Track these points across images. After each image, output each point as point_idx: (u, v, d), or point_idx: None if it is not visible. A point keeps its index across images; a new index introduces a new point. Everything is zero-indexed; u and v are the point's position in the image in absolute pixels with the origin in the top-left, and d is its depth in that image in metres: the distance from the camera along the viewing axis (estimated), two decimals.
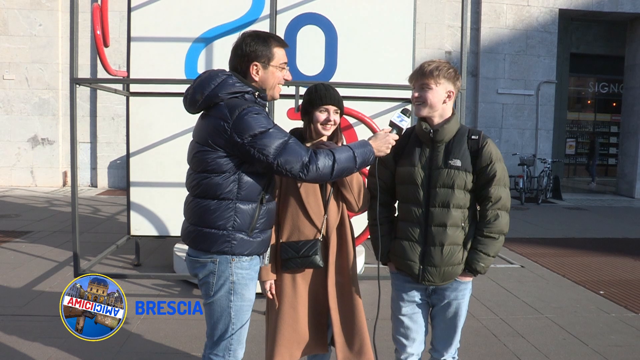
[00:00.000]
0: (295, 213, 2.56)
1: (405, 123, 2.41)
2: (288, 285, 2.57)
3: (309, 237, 2.54)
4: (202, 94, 2.19)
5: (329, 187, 2.57)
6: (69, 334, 3.73)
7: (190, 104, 2.26)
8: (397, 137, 2.40)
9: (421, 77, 2.38)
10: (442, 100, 2.38)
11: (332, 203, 2.58)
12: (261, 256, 2.42)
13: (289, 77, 2.39)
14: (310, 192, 2.55)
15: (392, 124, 2.41)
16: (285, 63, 2.34)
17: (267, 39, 2.28)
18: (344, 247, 2.61)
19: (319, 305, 2.61)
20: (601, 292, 5.42)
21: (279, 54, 2.30)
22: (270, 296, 2.59)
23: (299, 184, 2.54)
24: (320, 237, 2.54)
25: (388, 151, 2.37)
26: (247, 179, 2.20)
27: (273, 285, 2.59)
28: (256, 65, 2.25)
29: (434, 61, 2.41)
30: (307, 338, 2.60)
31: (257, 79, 2.27)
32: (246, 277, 2.30)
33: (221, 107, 2.16)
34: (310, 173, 2.16)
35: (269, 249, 2.49)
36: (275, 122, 2.25)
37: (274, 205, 2.40)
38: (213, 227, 2.22)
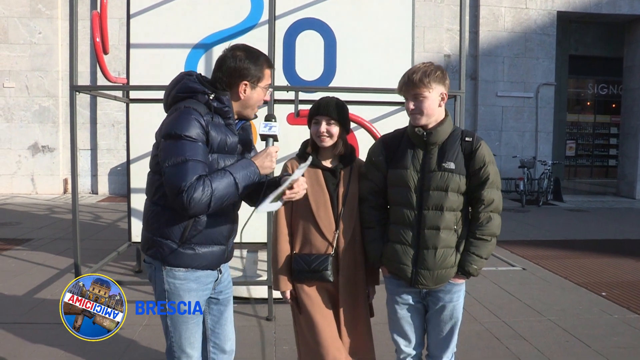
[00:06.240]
0: (306, 225, 2.56)
1: (276, 128, 2.28)
2: (306, 295, 2.58)
3: (320, 250, 2.54)
4: (167, 96, 2.23)
5: (340, 203, 2.56)
6: (70, 341, 3.75)
7: (164, 106, 2.28)
8: (277, 148, 2.24)
9: (412, 87, 2.33)
10: (437, 105, 2.37)
11: (345, 218, 2.56)
12: (217, 270, 2.31)
13: (268, 98, 2.34)
14: (320, 205, 2.54)
15: (264, 136, 2.28)
16: (269, 84, 2.31)
17: (260, 59, 2.23)
18: (356, 261, 2.60)
19: (333, 316, 2.61)
20: (603, 293, 5.41)
21: (267, 75, 2.26)
22: (291, 302, 2.63)
23: (309, 196, 2.52)
24: (332, 251, 2.53)
25: (274, 165, 2.22)
26: None
27: (289, 294, 2.61)
28: (245, 84, 2.20)
29: (418, 67, 2.36)
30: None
31: (242, 97, 2.22)
32: (180, 287, 2.20)
33: (174, 106, 2.17)
34: (180, 204, 1.99)
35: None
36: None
37: (222, 220, 2.23)
38: (148, 229, 2.23)
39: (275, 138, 2.27)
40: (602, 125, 18.39)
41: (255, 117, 2.37)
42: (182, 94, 2.17)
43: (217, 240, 2.24)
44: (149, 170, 2.27)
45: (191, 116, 2.05)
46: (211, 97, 2.15)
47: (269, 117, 2.31)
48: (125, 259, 6.19)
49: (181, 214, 2.09)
